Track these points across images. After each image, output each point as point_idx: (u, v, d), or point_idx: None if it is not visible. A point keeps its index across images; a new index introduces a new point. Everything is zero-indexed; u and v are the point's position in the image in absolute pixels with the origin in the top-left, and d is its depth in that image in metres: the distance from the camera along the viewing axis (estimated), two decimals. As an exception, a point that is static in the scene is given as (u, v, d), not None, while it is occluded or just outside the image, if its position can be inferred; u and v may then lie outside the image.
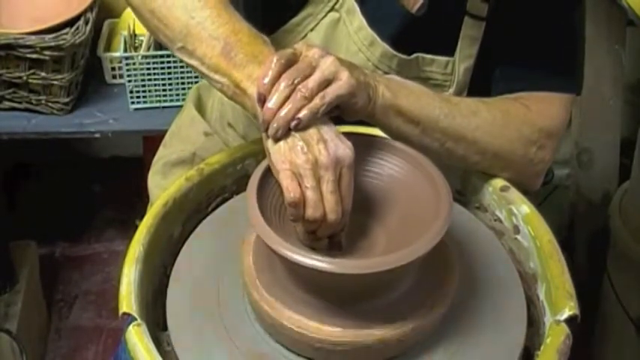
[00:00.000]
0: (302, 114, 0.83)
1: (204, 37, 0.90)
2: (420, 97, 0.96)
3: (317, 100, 0.84)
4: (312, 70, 0.85)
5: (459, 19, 1.08)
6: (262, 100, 0.85)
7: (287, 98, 0.84)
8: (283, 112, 0.83)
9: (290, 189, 0.82)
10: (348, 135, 0.87)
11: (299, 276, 0.83)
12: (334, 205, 0.82)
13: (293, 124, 0.83)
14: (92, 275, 2.21)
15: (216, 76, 0.90)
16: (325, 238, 0.86)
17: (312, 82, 0.84)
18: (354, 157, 0.84)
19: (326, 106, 0.85)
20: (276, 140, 0.84)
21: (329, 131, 0.84)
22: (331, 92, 0.85)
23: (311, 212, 0.82)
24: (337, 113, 0.88)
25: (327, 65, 0.85)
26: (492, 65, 1.09)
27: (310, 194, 0.82)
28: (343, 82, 0.86)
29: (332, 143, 0.83)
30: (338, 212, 0.83)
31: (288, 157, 0.83)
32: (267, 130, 0.85)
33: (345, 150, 0.83)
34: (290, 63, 0.85)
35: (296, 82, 0.84)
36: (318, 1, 1.08)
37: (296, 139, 0.83)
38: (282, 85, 0.84)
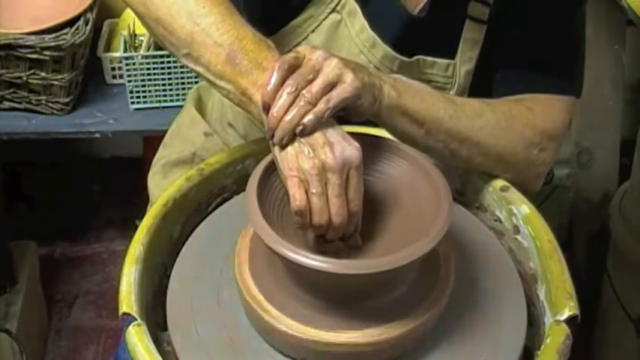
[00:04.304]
0: (306, 119, 0.83)
1: (209, 44, 0.90)
2: (425, 97, 0.96)
3: (321, 105, 0.84)
4: (315, 74, 0.85)
5: (460, 22, 1.08)
6: (267, 107, 0.84)
7: (291, 105, 0.84)
8: (287, 118, 0.83)
9: (296, 197, 0.82)
10: (349, 135, 0.86)
11: (299, 276, 0.83)
12: (339, 209, 0.82)
13: (298, 129, 0.83)
14: (92, 275, 2.21)
15: (222, 83, 0.90)
16: (336, 241, 0.86)
17: (315, 86, 0.84)
18: (362, 158, 0.84)
19: (331, 110, 0.84)
20: (283, 147, 0.84)
21: (335, 134, 0.84)
22: (336, 96, 0.85)
23: (317, 219, 0.82)
24: (343, 114, 0.88)
25: (330, 68, 0.85)
26: (493, 68, 1.09)
27: (315, 200, 0.82)
28: (347, 84, 0.85)
29: (338, 146, 0.83)
30: (343, 215, 0.83)
31: (294, 163, 0.83)
32: (272, 137, 0.85)
33: (352, 151, 0.83)
34: (293, 68, 0.85)
35: (299, 87, 0.84)
36: (319, 3, 1.08)
37: (302, 145, 0.83)
38: (286, 91, 0.84)
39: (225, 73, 0.89)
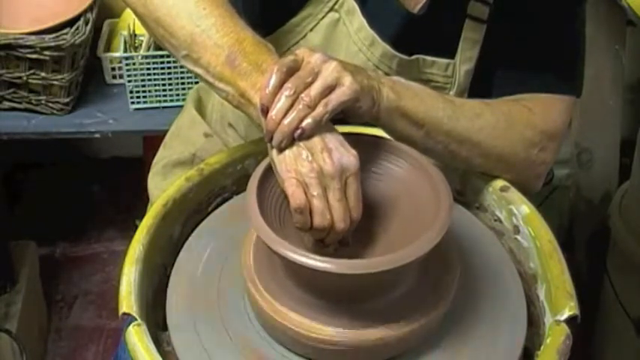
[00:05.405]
0: (305, 123, 0.83)
1: (209, 45, 0.90)
2: (424, 99, 0.96)
3: (320, 108, 0.84)
4: (314, 77, 0.85)
5: (460, 21, 1.08)
6: (265, 110, 0.84)
7: (290, 108, 0.84)
8: (286, 121, 0.83)
9: (295, 195, 0.82)
10: (348, 135, 0.87)
11: (299, 276, 0.83)
12: (342, 214, 0.82)
13: (297, 133, 0.83)
14: (92, 275, 2.21)
15: (221, 85, 0.90)
16: (334, 244, 0.86)
17: (314, 90, 0.84)
18: (359, 166, 0.84)
19: (329, 114, 0.84)
20: (281, 150, 0.84)
21: (333, 139, 0.84)
22: (334, 99, 0.85)
23: (319, 220, 0.82)
24: (341, 117, 0.88)
25: (329, 72, 0.85)
26: (493, 68, 1.09)
27: (317, 202, 0.82)
28: (346, 87, 0.85)
29: (336, 152, 0.83)
30: (346, 221, 0.83)
31: (293, 166, 0.83)
32: (271, 140, 0.85)
33: (349, 158, 0.83)
34: (292, 71, 0.85)
35: (298, 90, 0.84)
36: (317, 2, 1.08)
37: (300, 148, 0.83)
38: (285, 94, 0.84)
39: (225, 75, 0.89)
